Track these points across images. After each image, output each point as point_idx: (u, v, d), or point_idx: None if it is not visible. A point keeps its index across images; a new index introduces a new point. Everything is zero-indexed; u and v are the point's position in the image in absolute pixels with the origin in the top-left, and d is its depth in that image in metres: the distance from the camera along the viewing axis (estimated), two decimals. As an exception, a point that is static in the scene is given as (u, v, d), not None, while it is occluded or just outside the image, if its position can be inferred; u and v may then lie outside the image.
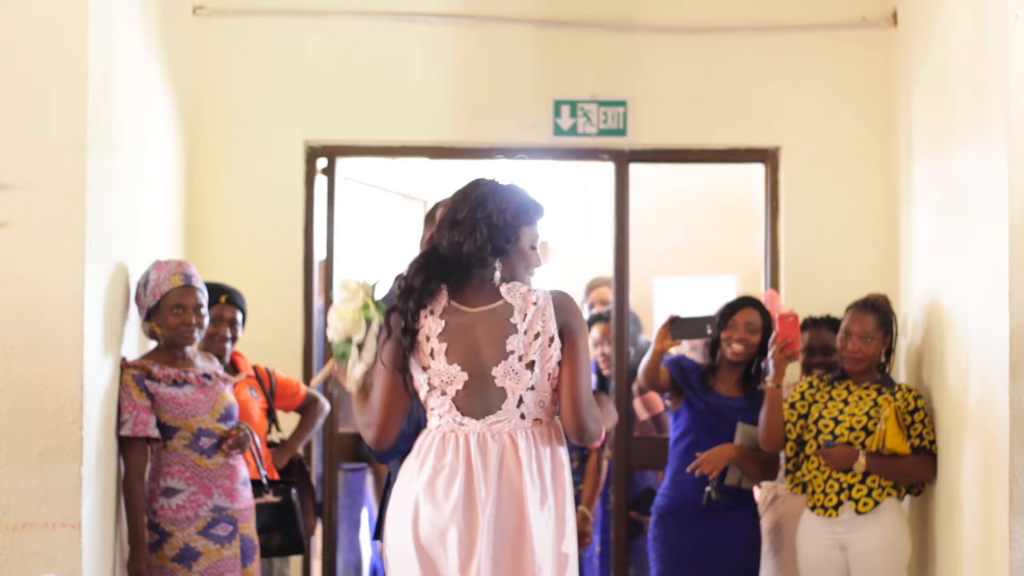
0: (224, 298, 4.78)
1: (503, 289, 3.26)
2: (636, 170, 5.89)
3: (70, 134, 3.93)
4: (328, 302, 5.78)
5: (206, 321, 4.44)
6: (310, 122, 5.75)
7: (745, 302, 5.02)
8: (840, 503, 4.62)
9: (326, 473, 5.79)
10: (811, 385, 4.81)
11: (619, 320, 5.85)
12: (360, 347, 3.34)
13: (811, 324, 5.04)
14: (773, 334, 4.79)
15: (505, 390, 3.22)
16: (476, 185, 3.32)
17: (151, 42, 4.87)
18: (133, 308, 4.44)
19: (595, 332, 6.16)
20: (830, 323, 5.04)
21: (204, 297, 4.42)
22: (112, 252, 4.25)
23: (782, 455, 4.85)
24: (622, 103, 5.74)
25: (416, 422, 3.71)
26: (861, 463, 4.58)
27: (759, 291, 6.02)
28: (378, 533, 3.96)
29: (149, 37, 4.84)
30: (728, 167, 6.47)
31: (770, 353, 4.76)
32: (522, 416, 3.24)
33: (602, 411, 3.37)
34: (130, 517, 4.25)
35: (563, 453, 3.32)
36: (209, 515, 4.31)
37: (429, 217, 3.99)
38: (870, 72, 5.68)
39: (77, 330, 3.90)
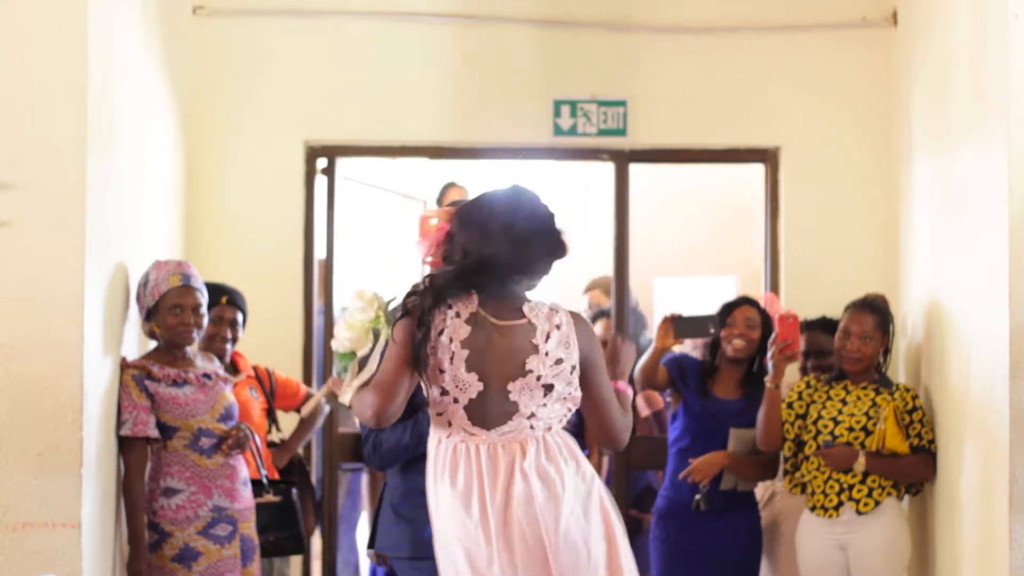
0: (225, 299, 4.78)
1: (526, 308, 3.24)
2: (636, 170, 5.89)
3: (70, 134, 3.92)
4: (328, 302, 5.79)
5: (205, 321, 4.44)
6: (310, 122, 5.75)
7: (743, 300, 5.04)
8: (840, 503, 4.62)
9: (326, 473, 5.79)
10: (809, 385, 4.81)
11: (619, 320, 5.85)
12: (361, 364, 3.32)
13: (804, 327, 5.03)
14: (773, 334, 4.80)
15: (518, 404, 3.20)
16: (521, 194, 3.29)
17: (151, 42, 4.87)
18: (133, 308, 4.44)
19: (597, 328, 6.15)
20: (824, 325, 5.05)
21: (203, 297, 4.42)
22: (112, 252, 4.25)
23: (781, 454, 4.85)
24: (622, 103, 5.74)
25: (419, 435, 3.70)
26: (861, 463, 4.59)
27: (759, 291, 6.03)
28: (371, 542, 3.95)
29: (149, 37, 4.84)
30: (728, 167, 6.47)
31: (769, 353, 4.77)
32: (531, 427, 3.23)
33: (623, 406, 3.39)
34: (130, 517, 4.25)
35: (577, 450, 3.29)
36: (209, 515, 4.31)
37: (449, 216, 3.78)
38: (870, 72, 5.68)
39: (77, 330, 3.90)
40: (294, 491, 4.83)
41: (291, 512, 4.79)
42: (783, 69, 5.77)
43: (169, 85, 5.19)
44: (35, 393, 3.87)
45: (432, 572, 3.27)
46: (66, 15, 3.93)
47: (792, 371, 5.06)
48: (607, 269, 6.03)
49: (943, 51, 4.73)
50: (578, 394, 3.26)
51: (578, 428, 5.28)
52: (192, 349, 4.43)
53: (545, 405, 3.22)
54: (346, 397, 3.33)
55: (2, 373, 3.87)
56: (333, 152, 5.82)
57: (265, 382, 4.98)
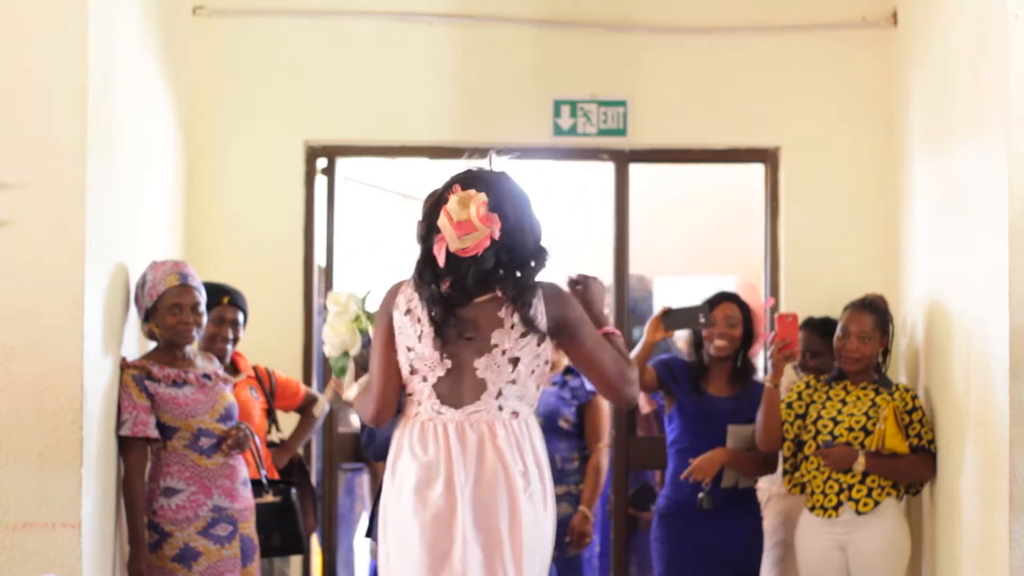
0: (227, 299, 4.78)
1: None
2: (636, 170, 5.89)
3: (70, 134, 3.92)
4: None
5: (204, 320, 4.44)
6: (310, 122, 5.75)
7: (722, 297, 5.03)
8: (840, 503, 4.62)
9: (326, 473, 5.79)
10: (808, 385, 4.81)
11: (619, 320, 5.85)
12: (357, 360, 3.33)
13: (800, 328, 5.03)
14: (772, 334, 4.80)
15: (485, 381, 3.22)
16: (514, 183, 3.33)
17: (151, 42, 4.87)
18: (133, 308, 4.44)
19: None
20: (818, 325, 5.05)
21: (202, 296, 4.42)
22: (112, 252, 4.25)
23: (780, 452, 4.85)
24: (622, 103, 5.74)
25: None
26: (861, 463, 4.58)
27: (759, 292, 6.03)
28: (370, 531, 3.96)
29: (149, 37, 4.84)
30: (728, 167, 6.47)
31: (768, 353, 4.77)
32: (500, 408, 3.24)
33: (618, 350, 3.36)
34: (130, 517, 4.26)
35: (541, 447, 3.31)
36: (209, 515, 4.31)
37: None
38: (870, 72, 5.68)
39: (77, 330, 3.90)
40: (294, 491, 4.83)
41: (291, 512, 4.79)
42: (783, 69, 5.77)
43: (169, 85, 5.19)
44: (35, 393, 3.87)
45: None
46: (66, 15, 3.93)
47: (790, 370, 5.06)
48: (607, 269, 6.03)
49: (943, 51, 4.72)
50: (547, 368, 3.28)
51: (578, 428, 5.31)
52: (192, 349, 4.43)
53: (514, 382, 3.22)
54: (350, 394, 3.36)
55: (2, 373, 3.87)
56: (333, 152, 5.82)
57: (265, 382, 4.98)
